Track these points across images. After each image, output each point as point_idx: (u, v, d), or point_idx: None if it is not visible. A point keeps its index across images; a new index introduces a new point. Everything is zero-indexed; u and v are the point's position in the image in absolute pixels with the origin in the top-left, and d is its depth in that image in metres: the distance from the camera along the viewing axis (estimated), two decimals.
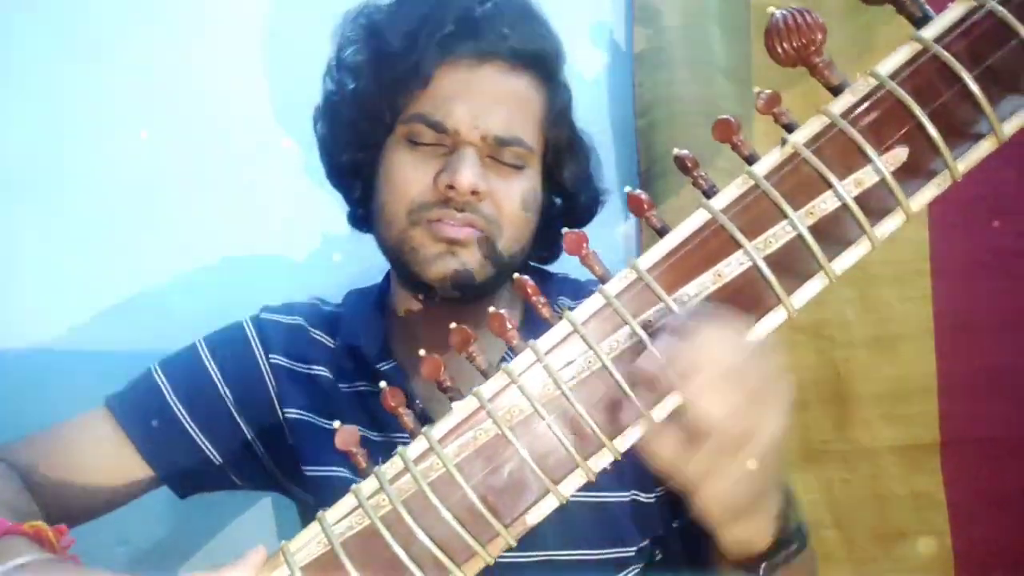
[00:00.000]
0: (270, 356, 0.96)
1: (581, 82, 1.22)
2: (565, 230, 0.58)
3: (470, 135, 0.86)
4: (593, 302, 0.57)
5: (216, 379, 0.95)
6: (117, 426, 0.91)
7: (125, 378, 0.96)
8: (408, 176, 0.88)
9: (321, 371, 0.97)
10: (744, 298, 0.55)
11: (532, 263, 1.02)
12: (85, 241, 1.19)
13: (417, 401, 0.90)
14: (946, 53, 0.52)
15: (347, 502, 0.57)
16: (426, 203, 0.87)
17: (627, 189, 0.59)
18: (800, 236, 0.54)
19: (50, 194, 1.18)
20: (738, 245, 0.55)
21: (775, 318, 0.55)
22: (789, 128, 0.56)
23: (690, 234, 0.56)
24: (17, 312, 1.18)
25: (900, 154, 0.53)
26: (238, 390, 0.95)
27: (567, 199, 0.99)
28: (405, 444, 0.58)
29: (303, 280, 1.22)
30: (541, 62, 0.91)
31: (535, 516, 0.56)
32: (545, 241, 0.97)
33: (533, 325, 0.58)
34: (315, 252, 1.27)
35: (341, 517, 0.57)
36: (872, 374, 1.22)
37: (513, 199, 0.89)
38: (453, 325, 0.58)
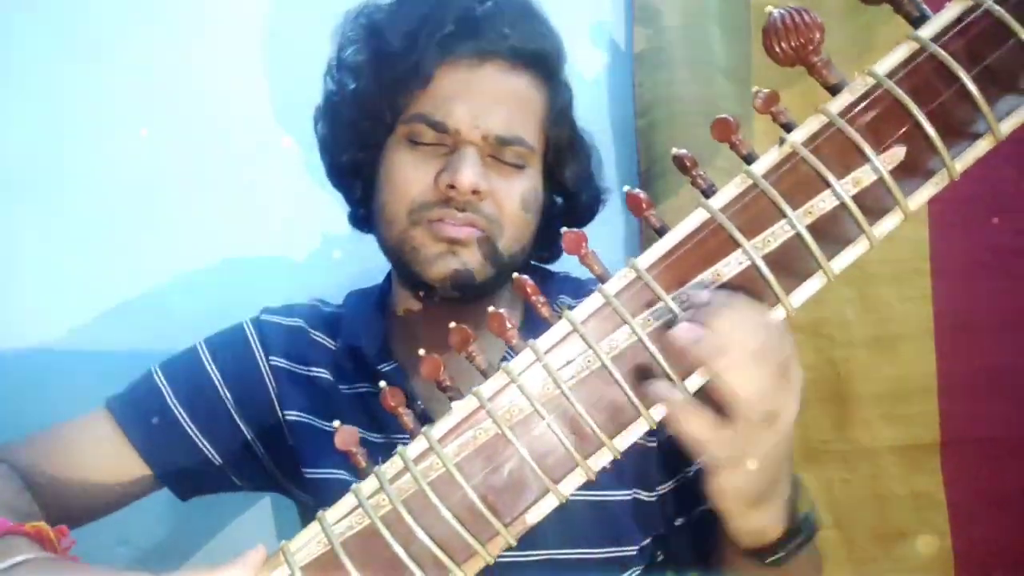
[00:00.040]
0: (270, 358, 0.96)
1: (581, 82, 1.21)
2: (564, 229, 0.58)
3: (471, 134, 0.86)
4: (592, 301, 0.57)
5: (216, 381, 0.95)
6: (117, 427, 0.91)
7: (125, 378, 0.96)
8: (409, 176, 0.88)
9: (321, 373, 0.97)
10: (750, 293, 0.55)
11: (533, 262, 1.02)
12: (85, 241, 1.19)
13: (418, 402, 0.90)
14: (944, 52, 0.53)
15: (347, 502, 0.57)
16: (427, 203, 0.87)
17: (626, 188, 0.59)
18: (799, 235, 0.54)
19: (50, 194, 1.18)
20: (737, 244, 0.55)
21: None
22: (787, 127, 0.56)
23: (689, 233, 0.56)
24: (17, 312, 1.18)
25: (898, 153, 0.53)
26: (238, 392, 0.95)
27: (568, 198, 0.99)
28: (406, 445, 0.58)
29: (303, 280, 1.22)
30: (542, 61, 0.91)
31: (535, 515, 0.56)
32: (546, 240, 0.97)
33: (534, 325, 0.58)
34: (315, 252, 1.27)
35: (341, 517, 0.57)
36: (872, 374, 1.22)
37: (514, 199, 0.89)
38: (453, 325, 0.59)
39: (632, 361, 0.56)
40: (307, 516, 0.92)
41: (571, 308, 0.57)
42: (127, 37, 1.20)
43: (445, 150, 0.88)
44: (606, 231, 1.26)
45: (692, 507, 0.91)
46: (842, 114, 0.54)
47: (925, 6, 0.55)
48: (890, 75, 0.54)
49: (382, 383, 0.61)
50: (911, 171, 0.54)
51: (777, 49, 0.55)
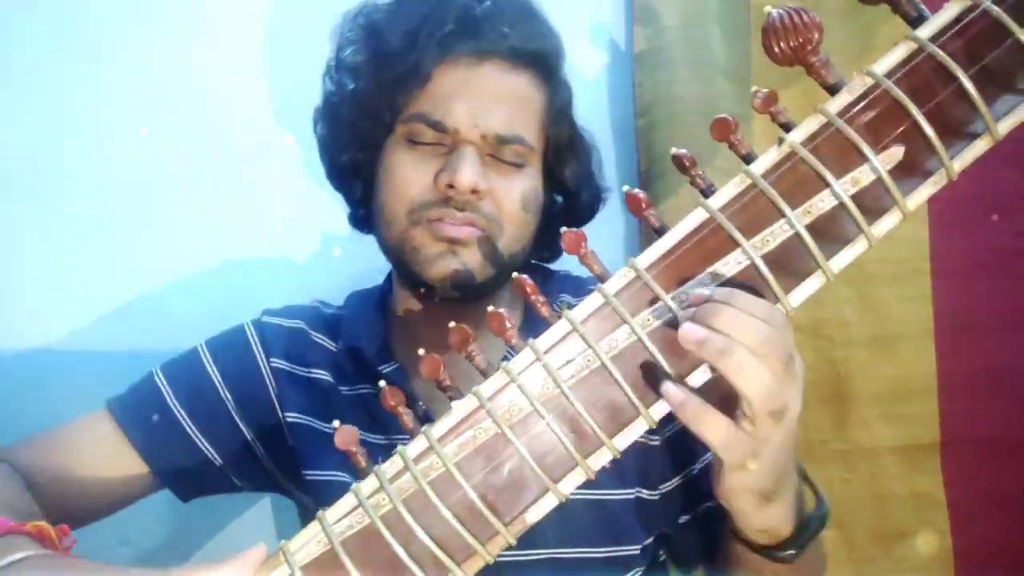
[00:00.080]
0: (271, 359, 0.96)
1: (581, 82, 1.22)
2: (564, 229, 0.59)
3: (470, 134, 0.86)
4: (592, 301, 0.57)
5: (217, 382, 0.95)
6: (118, 428, 0.91)
7: (125, 379, 0.96)
8: (408, 176, 0.88)
9: (322, 374, 0.96)
10: (752, 291, 0.55)
11: (534, 261, 1.02)
12: (85, 241, 1.19)
13: (420, 403, 0.90)
14: (942, 52, 0.53)
15: (347, 501, 0.57)
16: (426, 202, 0.86)
17: (625, 188, 0.59)
18: (798, 235, 0.54)
19: (50, 194, 1.18)
20: (736, 244, 0.55)
21: None
22: (786, 127, 0.56)
23: (688, 233, 0.57)
24: (17, 312, 1.18)
25: (896, 153, 0.54)
26: (239, 393, 0.95)
27: (568, 197, 0.99)
28: (406, 445, 0.58)
29: (304, 281, 1.22)
30: (541, 60, 0.91)
31: (534, 514, 0.56)
32: (546, 240, 0.97)
33: (534, 324, 0.58)
34: (316, 253, 1.27)
35: (341, 516, 0.57)
36: (871, 374, 1.22)
37: (514, 198, 0.88)
38: (452, 324, 0.59)
39: (632, 360, 0.56)
40: (307, 516, 0.92)
41: (572, 307, 0.57)
42: (127, 37, 1.20)
43: (444, 150, 0.87)
44: (606, 230, 1.26)
45: (697, 504, 0.91)
46: (841, 114, 0.55)
47: (923, 6, 0.55)
48: (888, 75, 0.54)
49: (382, 383, 0.61)
50: (909, 171, 0.54)
51: (776, 49, 0.55)
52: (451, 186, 0.84)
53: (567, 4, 1.08)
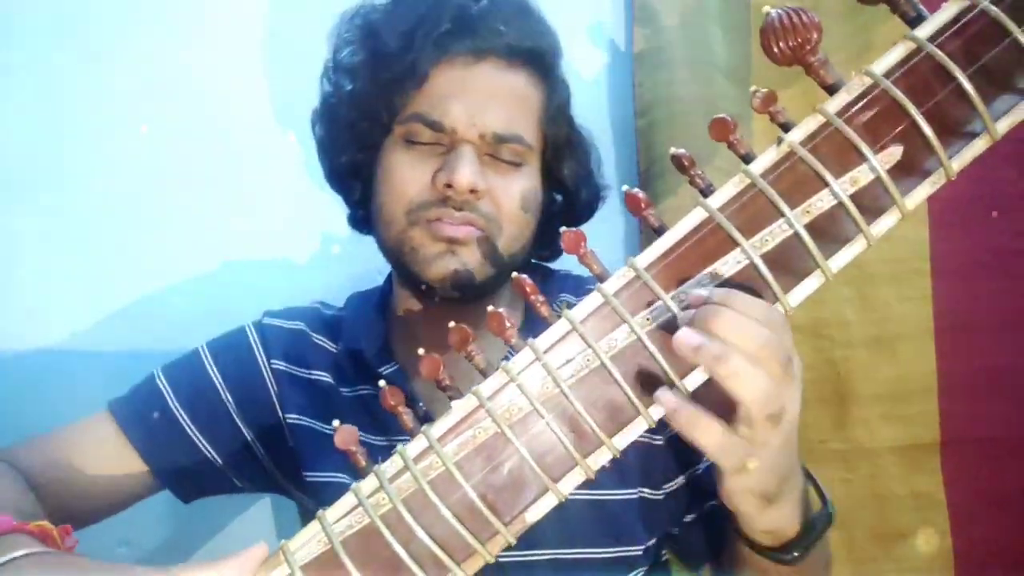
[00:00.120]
0: (272, 361, 0.96)
1: (581, 82, 1.22)
2: (563, 229, 0.59)
3: (468, 133, 0.86)
4: (591, 300, 0.57)
5: (218, 384, 0.95)
6: (119, 430, 0.91)
7: (126, 380, 0.96)
8: (406, 176, 0.88)
9: (322, 376, 0.97)
10: (750, 291, 0.55)
11: (534, 260, 1.02)
12: (85, 241, 1.19)
13: (420, 403, 0.90)
14: (940, 52, 0.53)
15: (347, 501, 0.57)
16: (424, 203, 0.86)
17: (625, 188, 0.59)
18: (796, 234, 0.54)
19: (50, 194, 1.18)
20: (735, 243, 0.55)
21: None
22: (785, 127, 0.56)
23: (687, 232, 0.57)
24: (17, 313, 1.18)
25: (895, 152, 0.54)
26: (239, 394, 0.95)
27: (567, 196, 0.99)
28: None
29: (304, 282, 1.22)
30: (538, 58, 0.91)
31: (534, 514, 0.56)
32: (546, 239, 0.97)
33: (535, 324, 0.58)
34: (316, 253, 1.27)
35: (341, 516, 0.57)
36: (872, 374, 1.22)
37: (512, 197, 0.88)
38: (452, 324, 0.59)
39: (631, 360, 0.56)
40: (307, 516, 0.92)
41: (571, 307, 0.57)
42: (127, 37, 1.20)
43: (442, 149, 0.87)
44: (605, 230, 1.26)
45: (702, 503, 0.91)
46: (839, 114, 0.55)
47: (922, 6, 0.55)
48: (887, 75, 0.54)
49: (382, 382, 0.61)
50: (908, 170, 0.54)
51: (775, 49, 0.55)
52: (449, 186, 0.84)
53: (567, 4, 1.09)
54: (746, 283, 0.55)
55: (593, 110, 1.13)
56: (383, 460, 0.58)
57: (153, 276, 1.21)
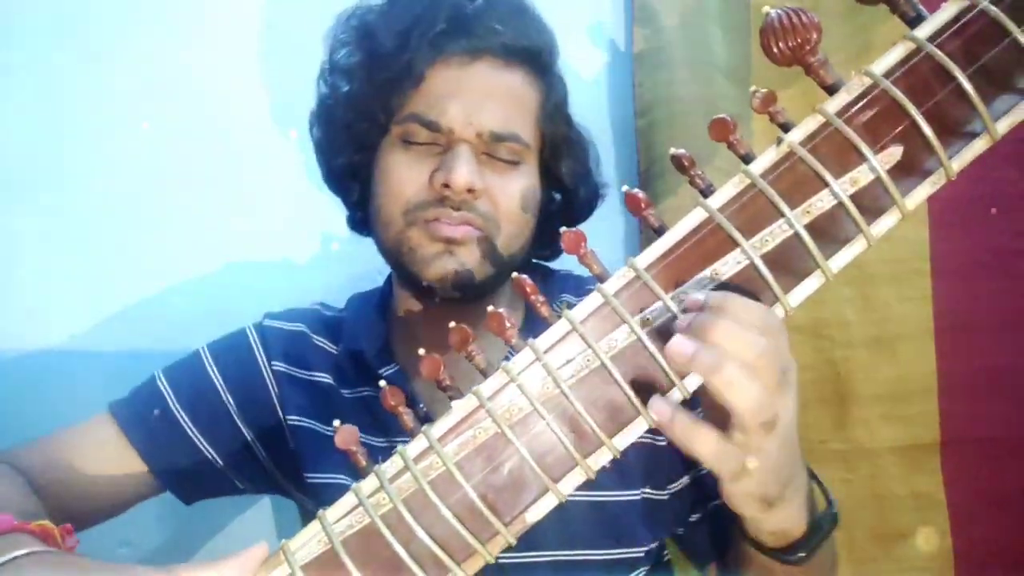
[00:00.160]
0: (272, 362, 0.96)
1: (581, 82, 1.22)
2: (563, 229, 0.58)
3: (464, 132, 0.86)
4: (591, 301, 0.57)
5: (219, 385, 0.95)
6: (120, 431, 0.91)
7: (126, 380, 0.96)
8: (403, 176, 0.87)
9: (323, 377, 0.96)
10: (747, 293, 0.55)
11: (535, 260, 1.02)
12: (85, 242, 1.20)
13: (420, 404, 0.90)
14: (940, 52, 0.53)
15: (347, 501, 0.57)
16: (422, 203, 0.86)
17: (624, 188, 0.59)
18: (797, 234, 0.54)
19: (50, 195, 1.19)
20: (735, 244, 0.55)
21: None
22: (785, 127, 0.56)
23: (687, 233, 0.56)
24: (18, 314, 1.18)
25: (895, 153, 0.54)
26: (240, 396, 0.95)
27: (566, 194, 0.98)
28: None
29: (305, 282, 1.22)
30: (535, 57, 0.91)
31: (534, 514, 0.56)
32: (546, 238, 0.97)
33: (535, 324, 0.58)
34: (317, 254, 1.27)
35: (341, 516, 0.57)
36: (872, 374, 1.22)
37: (510, 196, 0.88)
38: (452, 324, 0.59)
39: (631, 360, 0.56)
40: (307, 516, 0.92)
41: (572, 307, 0.57)
42: (127, 37, 1.20)
43: (439, 149, 0.87)
44: (606, 230, 1.26)
45: (707, 502, 0.91)
46: (839, 114, 0.55)
47: (921, 6, 0.55)
48: (887, 75, 0.54)
49: (382, 382, 0.61)
50: (908, 170, 0.54)
51: (775, 49, 0.55)
52: (446, 186, 0.84)
53: (567, 4, 1.09)
54: (746, 284, 0.55)
55: (593, 110, 1.13)
56: (383, 461, 0.58)
57: (153, 277, 1.21)
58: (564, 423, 0.56)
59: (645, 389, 0.56)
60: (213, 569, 0.56)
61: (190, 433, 0.93)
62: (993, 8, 0.52)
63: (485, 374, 0.58)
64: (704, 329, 0.52)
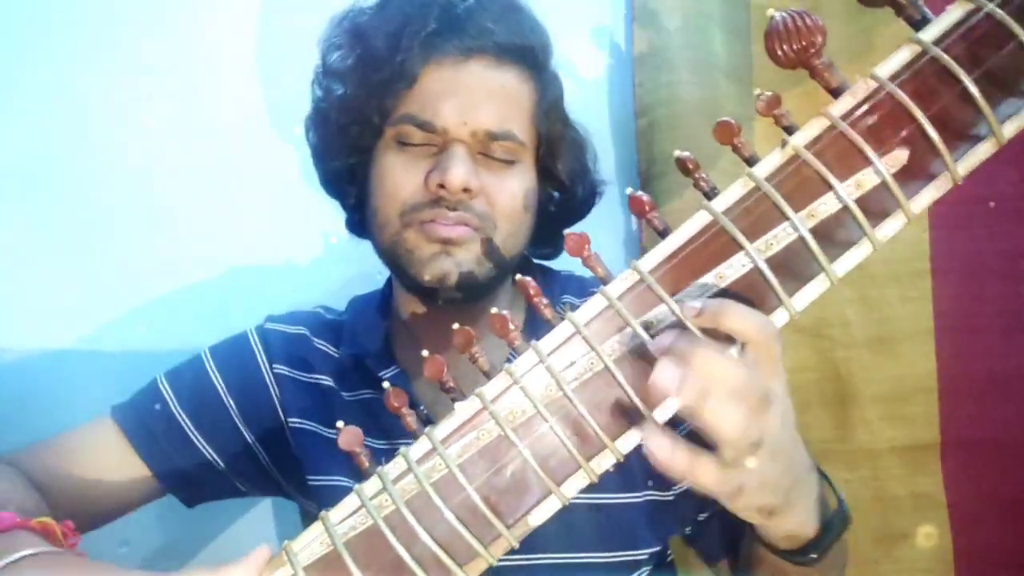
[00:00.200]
0: (274, 365, 0.96)
1: (582, 83, 1.21)
2: (567, 231, 0.58)
3: (459, 132, 0.85)
4: (595, 303, 0.57)
5: (220, 389, 0.95)
6: (122, 435, 0.92)
7: (127, 382, 0.96)
8: (398, 178, 0.87)
9: (324, 380, 0.96)
10: (746, 300, 0.55)
11: (536, 260, 1.02)
12: (87, 244, 1.19)
13: (421, 407, 0.90)
14: (945, 56, 0.53)
15: (350, 502, 0.57)
16: (418, 204, 0.86)
17: (628, 191, 0.59)
18: (801, 238, 0.54)
19: (51, 196, 1.18)
20: (739, 247, 0.55)
21: (777, 320, 0.55)
22: (790, 130, 0.56)
23: (692, 236, 0.56)
24: (18, 317, 1.18)
25: (900, 156, 0.53)
26: (242, 399, 0.95)
27: (564, 192, 0.98)
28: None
29: (307, 284, 1.22)
30: (528, 55, 0.90)
31: (537, 517, 0.56)
32: (545, 237, 0.97)
33: (536, 325, 0.58)
34: (319, 257, 1.27)
35: (344, 517, 0.57)
36: (873, 374, 1.22)
37: (506, 195, 0.88)
38: (456, 326, 0.59)
39: (635, 363, 0.56)
40: (309, 518, 0.92)
41: (575, 308, 0.57)
42: (129, 38, 1.20)
43: (434, 150, 0.87)
44: (606, 230, 1.26)
45: (715, 501, 0.90)
46: (844, 117, 0.54)
47: (926, 9, 0.55)
48: (892, 78, 0.54)
49: (385, 384, 0.61)
50: (914, 174, 0.54)
51: (779, 52, 0.55)
52: (442, 186, 0.84)
53: (567, 5, 1.08)
54: (750, 287, 0.55)
55: (594, 111, 1.13)
56: (385, 463, 0.58)
57: (155, 280, 1.21)
58: (567, 426, 0.56)
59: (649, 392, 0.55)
60: (216, 574, 0.56)
61: (192, 436, 0.93)
62: (999, 11, 0.52)
63: (488, 376, 0.58)
64: (684, 356, 0.51)
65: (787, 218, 0.54)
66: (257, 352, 0.97)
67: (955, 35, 0.53)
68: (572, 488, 0.56)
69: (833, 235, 0.54)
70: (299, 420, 0.94)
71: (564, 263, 1.03)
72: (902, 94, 0.53)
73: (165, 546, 1.20)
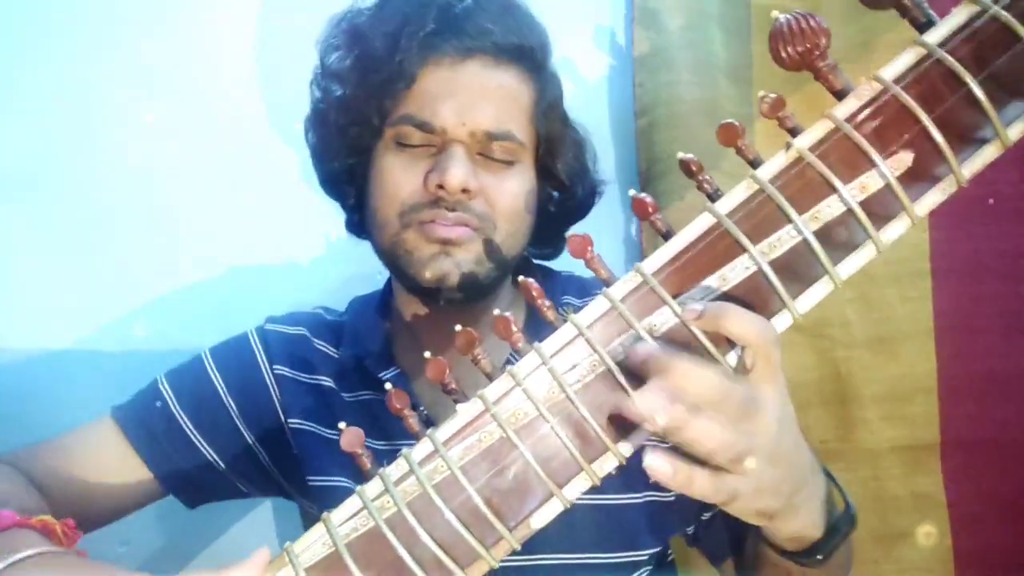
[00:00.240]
0: (274, 366, 0.96)
1: (582, 84, 1.21)
2: (569, 233, 0.58)
3: (457, 132, 0.85)
4: (598, 305, 0.57)
5: (221, 390, 0.95)
6: (122, 436, 0.92)
7: (128, 382, 0.96)
8: (398, 178, 0.87)
9: (324, 381, 0.96)
10: (749, 302, 0.55)
11: (536, 261, 1.02)
12: (87, 245, 1.19)
13: (422, 408, 0.90)
14: (950, 58, 0.53)
15: (352, 504, 0.57)
16: (417, 204, 0.86)
17: (631, 193, 0.59)
18: (805, 241, 0.54)
19: (51, 196, 1.18)
20: (743, 249, 0.55)
21: (780, 322, 0.55)
22: (793, 132, 0.56)
23: (695, 238, 0.56)
24: (18, 317, 1.18)
25: (905, 159, 0.53)
26: (242, 400, 0.95)
27: (563, 192, 0.98)
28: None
29: (307, 285, 1.22)
30: (526, 55, 0.90)
31: (539, 519, 0.56)
32: (545, 237, 0.97)
33: (537, 325, 0.58)
34: (320, 257, 1.27)
35: (346, 519, 0.57)
36: (873, 374, 1.22)
37: (506, 195, 0.87)
38: (458, 327, 0.58)
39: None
40: (309, 519, 0.91)
41: (577, 310, 0.57)
42: (130, 38, 1.20)
43: (433, 150, 0.87)
44: (607, 231, 1.26)
45: None
46: (849, 119, 0.54)
47: (931, 11, 0.54)
48: (897, 80, 0.54)
49: (387, 385, 0.61)
50: (918, 177, 0.53)
51: (783, 54, 0.55)
52: (441, 186, 0.83)
53: (567, 5, 1.08)
54: (753, 290, 0.55)
55: (594, 111, 1.13)
56: (386, 464, 0.58)
57: (156, 280, 1.21)
58: (569, 428, 0.56)
59: None
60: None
61: (192, 437, 0.93)
62: (1004, 13, 0.52)
63: (490, 377, 0.58)
64: (660, 368, 0.52)
65: (791, 221, 0.54)
66: (257, 353, 0.97)
67: (960, 37, 0.53)
68: (574, 490, 0.56)
69: (837, 238, 0.54)
70: (299, 421, 0.94)
71: (564, 263, 1.03)
72: (907, 96, 0.53)
73: (165, 546, 1.20)
